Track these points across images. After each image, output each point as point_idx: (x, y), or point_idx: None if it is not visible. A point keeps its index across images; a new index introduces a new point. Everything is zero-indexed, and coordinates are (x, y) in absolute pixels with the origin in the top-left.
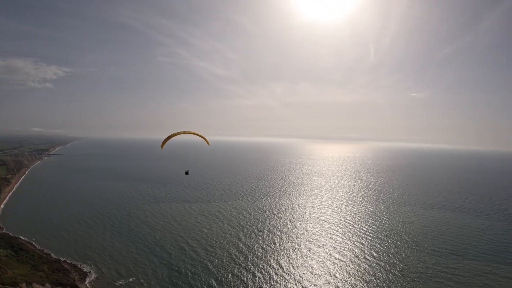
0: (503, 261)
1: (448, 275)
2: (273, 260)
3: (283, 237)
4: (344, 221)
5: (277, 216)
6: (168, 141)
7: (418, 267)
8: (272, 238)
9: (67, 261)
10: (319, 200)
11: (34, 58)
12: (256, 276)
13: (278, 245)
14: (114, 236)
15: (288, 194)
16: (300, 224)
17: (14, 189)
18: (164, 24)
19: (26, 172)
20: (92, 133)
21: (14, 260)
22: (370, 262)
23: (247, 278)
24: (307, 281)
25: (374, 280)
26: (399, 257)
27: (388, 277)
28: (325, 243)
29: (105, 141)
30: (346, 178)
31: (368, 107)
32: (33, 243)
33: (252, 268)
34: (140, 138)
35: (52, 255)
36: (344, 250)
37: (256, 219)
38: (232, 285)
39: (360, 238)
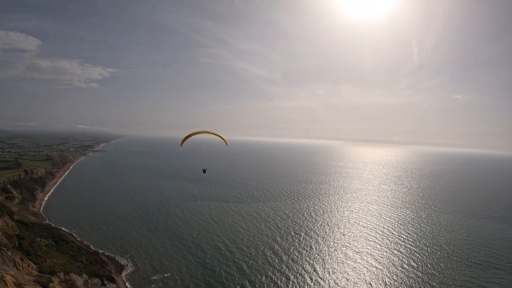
0: None
1: None
2: (308, 264)
3: (319, 240)
4: (383, 227)
5: (315, 219)
6: (211, 141)
7: (457, 280)
8: (308, 241)
9: (105, 253)
10: (359, 205)
11: (80, 59)
12: (290, 280)
13: (314, 249)
14: (151, 232)
15: (328, 197)
16: (338, 228)
17: (58, 183)
18: (205, 26)
19: (71, 167)
20: (135, 131)
21: (54, 250)
22: (407, 271)
23: (280, 281)
24: None
25: None
26: (438, 268)
27: None
28: (362, 250)
29: (147, 139)
30: (387, 182)
31: (411, 109)
32: (74, 234)
33: (287, 271)
34: (181, 137)
35: (91, 247)
36: (381, 257)
37: (294, 221)
38: (265, 287)
39: (399, 245)
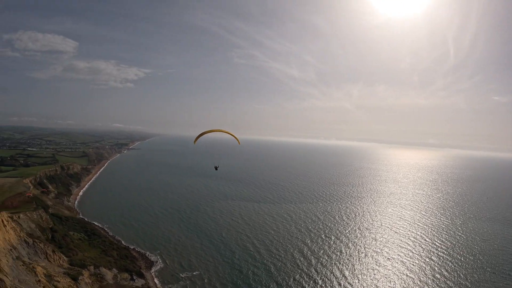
0: None
1: None
2: (338, 269)
3: (350, 245)
4: (416, 233)
5: (346, 223)
6: (245, 142)
7: None
8: (339, 245)
9: (136, 249)
10: (392, 209)
11: (116, 60)
12: (317, 284)
13: (344, 253)
14: (181, 230)
15: (360, 200)
16: (370, 233)
17: (93, 179)
18: (239, 27)
19: (106, 164)
20: (169, 130)
21: (86, 243)
22: (439, 281)
23: (308, 285)
24: None
25: None
26: (471, 279)
27: None
28: (393, 256)
29: (181, 138)
30: (421, 186)
31: (448, 111)
32: (106, 229)
33: (315, 275)
34: (214, 137)
35: (122, 242)
36: (413, 265)
37: (325, 224)
38: None
39: (431, 253)
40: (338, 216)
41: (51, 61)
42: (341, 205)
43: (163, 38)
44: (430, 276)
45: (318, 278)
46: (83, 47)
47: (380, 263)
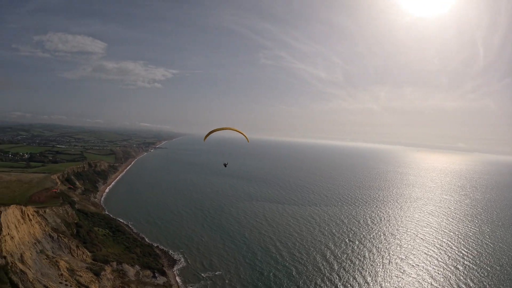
0: None
1: None
2: (360, 275)
3: (374, 251)
4: (443, 240)
5: (371, 227)
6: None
7: None
8: (362, 250)
9: (159, 247)
10: (418, 215)
11: (144, 61)
12: None
13: (368, 259)
14: (204, 230)
15: (386, 204)
16: (395, 238)
17: (119, 177)
18: (266, 28)
19: (132, 162)
20: (196, 130)
21: (111, 239)
22: None
23: None
24: None
25: None
26: None
27: None
28: (418, 264)
29: (208, 138)
30: (449, 192)
31: (477, 114)
32: (130, 226)
33: (337, 280)
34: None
35: (146, 239)
36: (438, 274)
37: (349, 228)
38: None
39: (457, 262)
40: (363, 220)
41: (80, 62)
42: (366, 209)
43: (189, 39)
44: (455, 286)
45: (340, 284)
46: (112, 48)
47: (404, 270)
